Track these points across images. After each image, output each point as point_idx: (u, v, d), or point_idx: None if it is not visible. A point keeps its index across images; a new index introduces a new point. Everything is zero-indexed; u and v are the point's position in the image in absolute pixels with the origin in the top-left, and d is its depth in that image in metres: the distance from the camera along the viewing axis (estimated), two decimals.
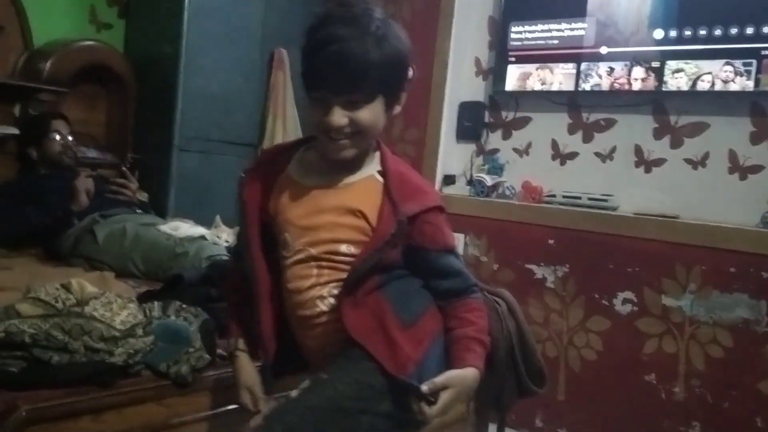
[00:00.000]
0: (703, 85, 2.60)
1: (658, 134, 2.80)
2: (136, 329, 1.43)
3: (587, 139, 3.01)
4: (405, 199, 1.27)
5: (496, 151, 3.30)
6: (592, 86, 2.92)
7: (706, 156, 2.68)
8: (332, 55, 1.18)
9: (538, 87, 3.09)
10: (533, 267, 3.02)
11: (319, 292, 1.28)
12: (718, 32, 2.59)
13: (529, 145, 3.20)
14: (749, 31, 2.53)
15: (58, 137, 2.75)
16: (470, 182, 3.31)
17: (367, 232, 1.26)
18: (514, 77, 3.15)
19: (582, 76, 2.94)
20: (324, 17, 1.23)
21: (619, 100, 2.88)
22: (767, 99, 2.53)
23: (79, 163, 2.87)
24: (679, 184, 2.74)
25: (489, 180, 3.21)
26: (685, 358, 2.60)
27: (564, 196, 2.97)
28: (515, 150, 3.24)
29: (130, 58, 3.22)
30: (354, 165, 1.30)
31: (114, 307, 1.48)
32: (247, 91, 3.37)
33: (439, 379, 1.22)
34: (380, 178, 1.30)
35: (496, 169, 3.26)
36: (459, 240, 3.25)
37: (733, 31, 2.56)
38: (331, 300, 1.27)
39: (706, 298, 2.57)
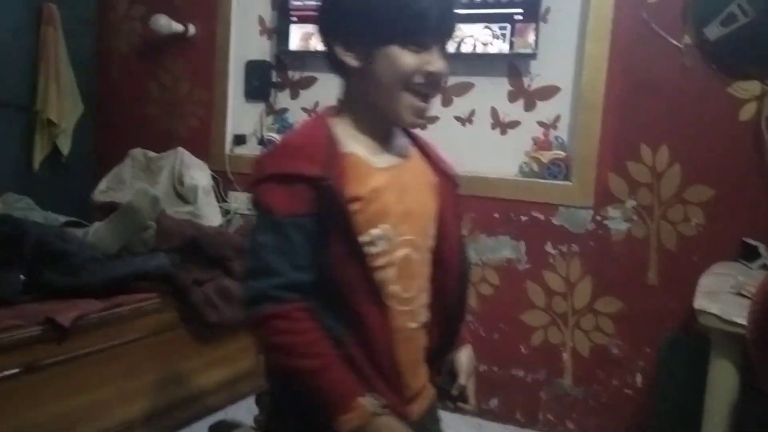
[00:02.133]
0: (466, 48, 2.82)
1: None
2: None
3: None
4: (442, 160, 1.21)
5: (285, 110, 3.34)
6: None
7: (472, 113, 2.92)
8: None
9: (321, 47, 3.15)
10: None
11: (423, 300, 1.14)
12: None
13: (316, 105, 3.28)
14: None
15: None
16: (261, 142, 3.34)
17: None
18: (297, 37, 3.19)
19: None
20: None
21: None
22: (521, 60, 2.80)
23: None
24: (451, 140, 2.96)
25: (279, 138, 3.26)
26: None
27: None
28: (304, 109, 3.31)
29: None
30: (400, 133, 1.17)
31: None
32: (17, 49, 3.13)
33: (462, 378, 1.21)
34: (412, 144, 1.20)
35: (286, 129, 3.31)
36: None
37: None
38: (426, 311, 1.14)
39: (476, 242, 2.85)
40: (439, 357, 1.19)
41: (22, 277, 1.71)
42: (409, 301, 1.10)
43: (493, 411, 2.86)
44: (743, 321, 1.52)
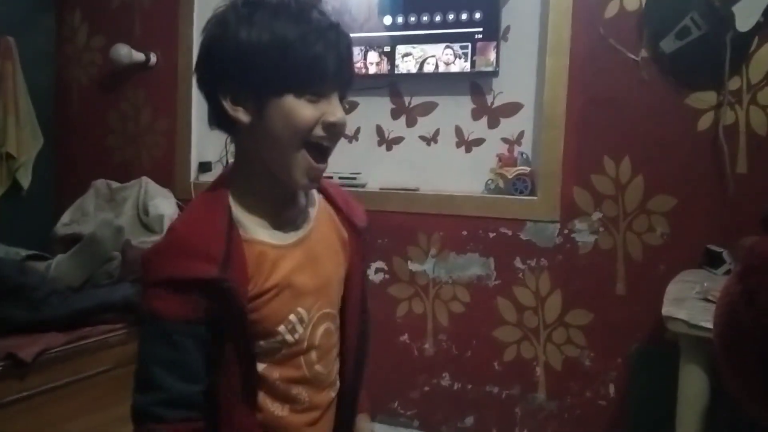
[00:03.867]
0: (428, 68, 2.84)
1: (395, 114, 3.01)
2: None
3: None
4: (353, 211, 1.13)
5: None
6: None
7: (437, 132, 2.94)
8: (332, 40, 0.96)
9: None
10: None
11: (337, 367, 1.10)
12: (438, 18, 2.83)
13: None
14: (464, 17, 2.80)
15: None
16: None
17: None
18: None
19: None
20: (277, 5, 0.98)
21: (359, 83, 3.03)
22: (482, 78, 2.83)
23: None
24: (416, 159, 2.98)
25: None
26: (432, 316, 2.87)
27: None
28: None
29: None
30: (302, 194, 1.08)
31: None
32: None
33: None
34: (322, 197, 1.13)
35: None
36: None
37: (451, 17, 2.82)
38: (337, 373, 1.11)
39: (445, 260, 2.85)
40: (345, 418, 1.14)
41: None
42: (329, 375, 1.07)
43: (468, 429, 2.84)
44: (710, 326, 1.54)
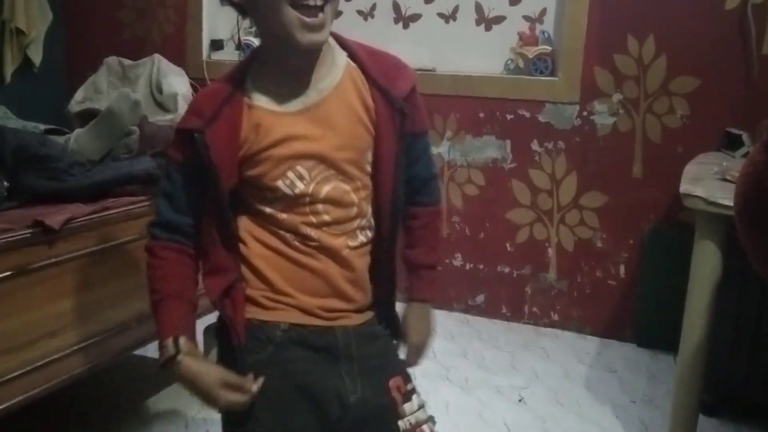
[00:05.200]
0: None
1: None
2: None
3: None
4: (391, 79, 1.11)
5: None
6: None
7: (456, 9, 2.85)
8: None
9: None
10: None
11: (361, 220, 1.14)
12: None
13: None
14: None
15: None
16: (239, 47, 3.25)
17: (374, 132, 1.12)
18: None
19: None
20: None
21: None
22: None
23: None
24: (434, 38, 2.91)
25: (257, 43, 3.17)
26: (446, 197, 2.89)
27: None
28: None
29: None
30: (323, 60, 1.09)
31: None
32: None
33: (407, 338, 1.22)
34: (353, 64, 1.12)
35: None
36: None
37: None
38: (368, 230, 1.16)
39: (461, 143, 2.84)
40: (379, 275, 1.19)
41: (5, 183, 1.69)
42: (344, 225, 1.12)
43: (479, 306, 2.93)
44: (728, 202, 1.55)
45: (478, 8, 2.81)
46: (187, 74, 3.17)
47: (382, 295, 1.20)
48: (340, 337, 1.12)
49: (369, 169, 1.13)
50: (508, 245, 2.85)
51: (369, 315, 1.18)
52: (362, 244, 1.15)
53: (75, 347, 1.64)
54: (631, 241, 2.67)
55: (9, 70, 3.16)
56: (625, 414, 2.21)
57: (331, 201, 1.10)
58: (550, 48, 2.68)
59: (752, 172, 1.07)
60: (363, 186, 1.13)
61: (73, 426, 2.05)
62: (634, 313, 2.69)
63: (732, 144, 2.33)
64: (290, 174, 1.08)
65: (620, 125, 2.61)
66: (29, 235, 1.52)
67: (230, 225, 1.10)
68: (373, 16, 3.00)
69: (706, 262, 1.70)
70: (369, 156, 1.12)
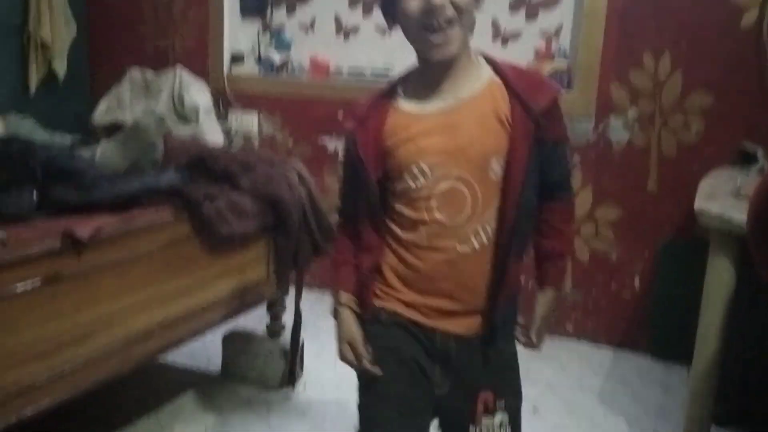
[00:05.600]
0: None
1: None
2: None
3: (367, 12, 3.11)
4: (532, 94, 1.20)
5: (282, 27, 3.30)
6: None
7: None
8: None
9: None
10: (326, 140, 3.16)
11: (476, 224, 1.19)
12: None
13: (313, 21, 3.24)
14: None
15: None
16: (259, 60, 3.31)
17: (508, 139, 1.18)
18: None
19: None
20: None
21: None
22: None
23: None
24: None
25: (277, 57, 3.23)
26: None
27: (350, 70, 3.08)
28: (300, 26, 3.27)
29: None
30: (465, 74, 1.21)
31: None
32: None
33: (533, 329, 1.32)
34: (498, 79, 1.22)
35: (284, 46, 3.28)
36: (253, 120, 3.29)
37: None
38: (483, 235, 1.19)
39: None
40: (498, 282, 1.21)
41: (35, 193, 1.74)
42: (455, 228, 1.19)
43: None
44: (741, 220, 1.57)
45: (494, 24, 2.85)
46: (209, 87, 3.25)
47: (496, 302, 1.22)
48: (439, 341, 1.23)
49: (494, 177, 1.19)
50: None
51: (477, 320, 1.23)
52: (474, 250, 1.19)
53: (100, 354, 1.70)
54: (646, 254, 2.68)
55: (34, 82, 3.24)
56: (639, 425, 2.23)
57: (445, 199, 1.19)
58: (566, 63, 2.71)
59: (766, 189, 1.10)
60: (482, 191, 1.19)
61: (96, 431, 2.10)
62: (649, 324, 2.70)
63: (746, 160, 2.34)
64: (414, 169, 1.20)
65: (635, 140, 2.64)
66: (58, 245, 1.57)
67: (377, 212, 1.26)
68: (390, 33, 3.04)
69: (719, 278, 1.73)
70: (496, 164, 1.18)
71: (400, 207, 1.23)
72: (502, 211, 1.19)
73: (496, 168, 1.18)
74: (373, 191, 1.24)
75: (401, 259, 1.24)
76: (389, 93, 1.26)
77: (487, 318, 1.23)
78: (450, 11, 1.13)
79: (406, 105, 1.23)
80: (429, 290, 1.22)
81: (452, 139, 1.19)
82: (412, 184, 1.20)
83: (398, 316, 1.24)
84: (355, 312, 1.30)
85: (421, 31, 1.15)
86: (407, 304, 1.24)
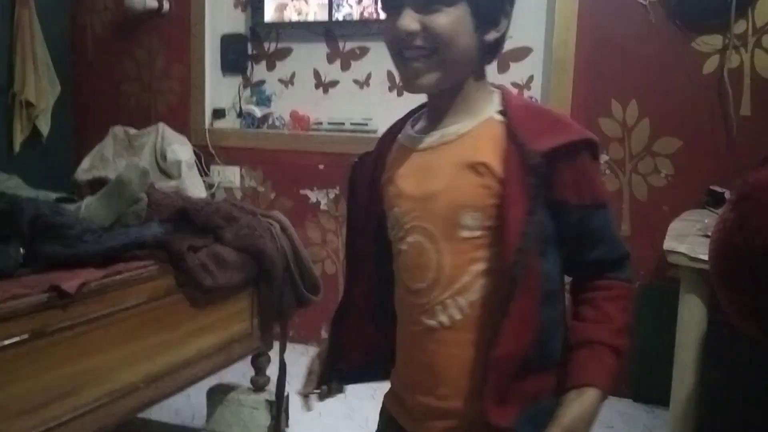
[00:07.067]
0: None
1: None
2: None
3: (345, 67, 3.20)
4: (534, 135, 0.94)
5: (262, 82, 3.39)
6: (344, 16, 3.09)
7: None
8: None
9: (295, 17, 3.20)
10: (308, 192, 3.21)
11: (442, 292, 0.97)
12: None
13: (293, 76, 3.33)
14: None
15: None
16: (240, 115, 3.39)
17: (497, 193, 0.94)
18: (272, 8, 3.23)
19: (334, 5, 3.10)
20: None
21: (369, 29, 3.09)
22: None
23: None
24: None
25: (258, 111, 3.31)
26: None
27: (329, 123, 3.17)
28: (280, 81, 3.35)
29: None
30: (465, 108, 1.01)
31: None
32: None
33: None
34: (501, 118, 0.99)
35: (264, 101, 3.36)
36: (235, 173, 3.35)
37: None
38: (454, 309, 0.96)
39: None
40: (475, 373, 0.96)
41: (21, 250, 1.77)
42: (419, 293, 0.99)
43: None
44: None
45: None
46: (191, 142, 3.31)
47: (485, 403, 0.93)
48: None
49: (467, 235, 0.96)
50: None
51: (465, 428, 0.98)
52: (443, 326, 0.97)
53: (86, 409, 1.70)
54: None
55: (18, 140, 3.28)
56: None
57: (409, 256, 1.00)
58: None
59: (722, 229, 1.15)
60: (450, 251, 0.97)
61: None
62: (630, 368, 2.73)
63: (715, 201, 2.42)
64: (391, 214, 1.04)
65: (608, 184, 2.72)
66: (45, 299, 1.59)
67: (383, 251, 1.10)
68: (368, 85, 3.14)
69: (691, 316, 1.78)
70: (471, 220, 0.95)
71: (386, 259, 1.08)
72: (492, 283, 0.95)
73: (472, 225, 0.94)
74: (368, 231, 1.09)
75: (390, 339, 1.08)
76: (400, 125, 1.10)
77: (484, 426, 0.93)
78: (422, 41, 0.95)
79: (404, 138, 1.07)
80: (405, 376, 1.04)
81: (422, 185, 0.99)
82: (391, 230, 1.04)
83: (386, 410, 1.09)
84: (327, 353, 1.18)
85: (396, 59, 1.00)
86: (394, 395, 1.07)
